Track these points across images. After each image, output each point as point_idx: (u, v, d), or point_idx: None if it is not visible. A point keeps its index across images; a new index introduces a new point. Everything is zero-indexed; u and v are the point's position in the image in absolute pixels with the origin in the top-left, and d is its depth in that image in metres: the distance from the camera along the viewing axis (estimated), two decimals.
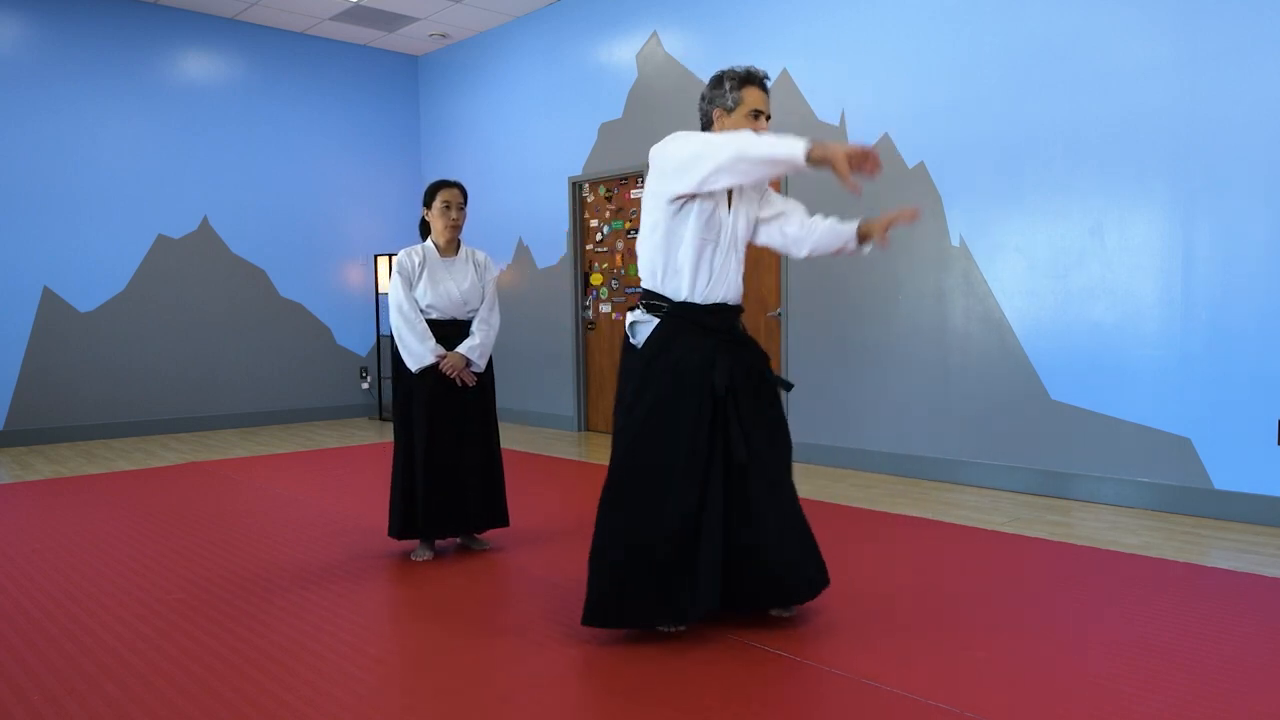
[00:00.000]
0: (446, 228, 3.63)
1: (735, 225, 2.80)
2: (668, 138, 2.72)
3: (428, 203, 3.67)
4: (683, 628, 2.76)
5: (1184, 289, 4.30)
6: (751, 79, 2.78)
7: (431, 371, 3.57)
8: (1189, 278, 4.28)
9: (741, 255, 2.85)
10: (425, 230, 3.76)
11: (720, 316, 2.79)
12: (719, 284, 2.77)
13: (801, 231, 2.89)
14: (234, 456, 6.41)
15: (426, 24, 8.01)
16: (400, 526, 3.63)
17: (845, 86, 5.54)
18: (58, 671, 2.55)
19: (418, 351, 3.55)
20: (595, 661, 2.59)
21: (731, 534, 2.73)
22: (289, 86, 8.26)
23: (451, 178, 8.62)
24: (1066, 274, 4.67)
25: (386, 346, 8.82)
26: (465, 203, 3.68)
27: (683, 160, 2.61)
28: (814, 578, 2.83)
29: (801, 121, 5.75)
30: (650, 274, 2.78)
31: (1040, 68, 4.71)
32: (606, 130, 7.15)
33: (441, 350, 3.58)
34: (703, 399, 2.69)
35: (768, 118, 2.81)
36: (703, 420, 2.68)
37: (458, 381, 3.61)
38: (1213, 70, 4.17)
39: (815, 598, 2.87)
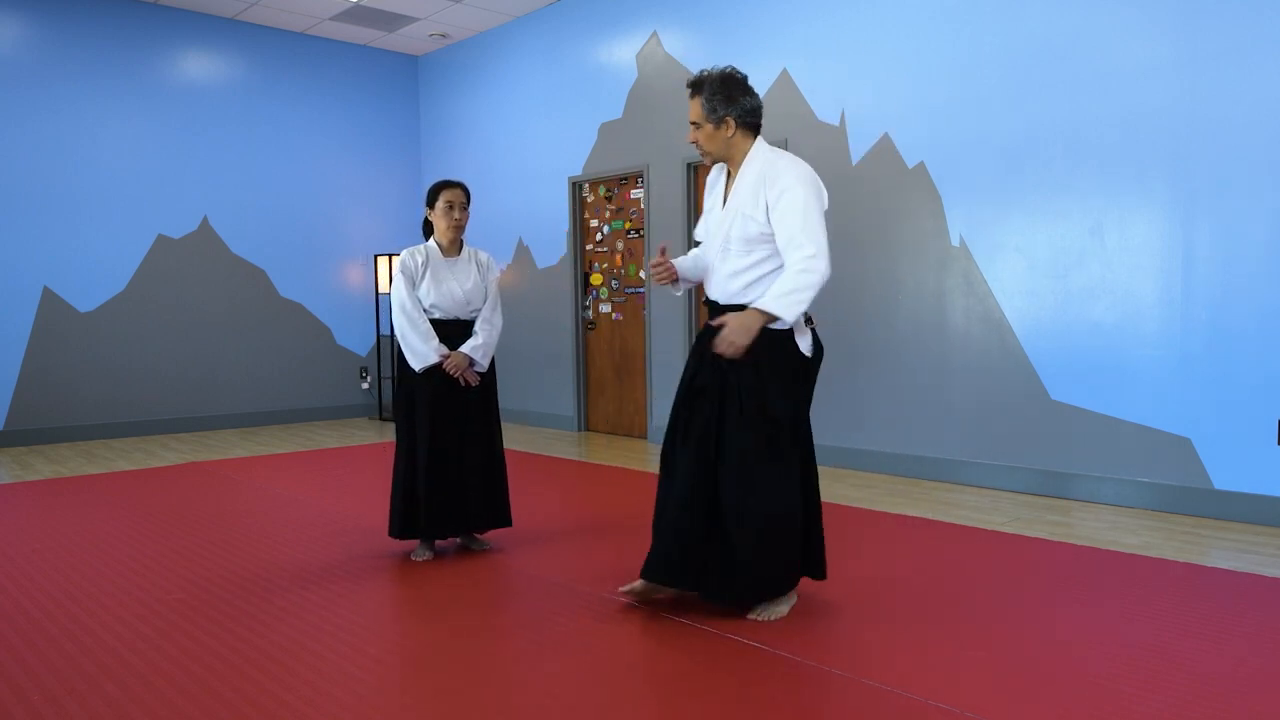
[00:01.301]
0: (449, 228, 3.64)
1: (724, 229, 2.88)
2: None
3: (430, 203, 3.67)
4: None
5: (1184, 289, 4.30)
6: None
7: (435, 371, 3.58)
8: (1189, 278, 4.28)
9: (733, 259, 2.87)
10: (428, 230, 3.76)
11: (712, 312, 2.95)
12: (710, 283, 2.98)
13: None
14: (234, 456, 6.41)
15: (426, 24, 8.01)
16: (401, 526, 3.63)
17: (845, 86, 5.54)
18: (58, 671, 2.55)
19: (421, 351, 3.55)
20: (594, 661, 2.59)
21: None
22: (289, 86, 8.26)
23: (452, 178, 8.64)
24: (1066, 274, 4.67)
25: (386, 346, 8.82)
26: (468, 203, 3.69)
27: None
28: (742, 588, 2.84)
29: (802, 122, 5.75)
30: None
31: (1040, 68, 4.71)
32: (606, 130, 7.15)
33: (445, 350, 3.58)
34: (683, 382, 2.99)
35: (696, 125, 2.90)
36: (682, 400, 2.96)
37: (461, 381, 3.61)
38: (1213, 70, 4.17)
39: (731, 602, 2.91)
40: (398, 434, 3.67)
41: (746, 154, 2.88)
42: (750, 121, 2.88)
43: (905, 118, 5.27)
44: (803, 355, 2.84)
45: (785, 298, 2.71)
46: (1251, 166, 4.08)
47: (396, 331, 3.59)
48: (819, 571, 3.00)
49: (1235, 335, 4.15)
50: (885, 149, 5.36)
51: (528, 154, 7.86)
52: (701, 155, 2.93)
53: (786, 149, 5.78)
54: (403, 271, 3.58)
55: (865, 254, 5.49)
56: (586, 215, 7.47)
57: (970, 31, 4.98)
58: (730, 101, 2.84)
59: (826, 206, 2.85)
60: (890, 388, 5.42)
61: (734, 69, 2.90)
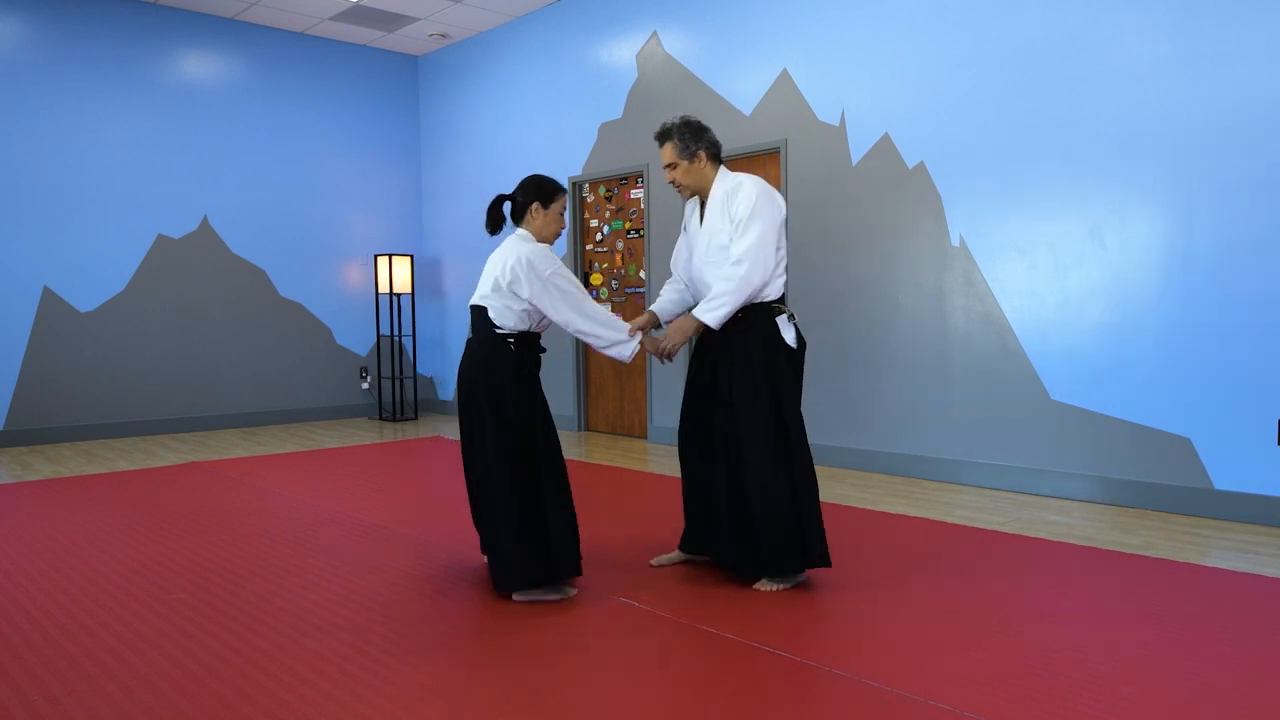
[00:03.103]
0: (558, 232, 3.32)
1: (703, 245, 3.30)
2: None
3: (546, 200, 3.23)
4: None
5: (1184, 289, 4.30)
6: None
7: (533, 378, 3.27)
8: (1189, 278, 4.28)
9: (716, 267, 3.25)
10: (498, 220, 3.28)
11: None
12: (702, 295, 3.35)
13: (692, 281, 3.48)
14: (234, 456, 6.41)
15: (426, 24, 8.01)
16: (574, 560, 3.15)
17: (845, 86, 5.54)
18: (58, 671, 2.55)
19: (628, 338, 3.23)
20: (591, 661, 2.59)
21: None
22: (289, 86, 8.26)
23: (450, 176, 8.65)
24: (1066, 274, 4.67)
25: (386, 346, 8.82)
26: None
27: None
28: (744, 555, 3.21)
29: (802, 121, 5.75)
30: None
31: (1040, 68, 4.71)
32: (606, 130, 7.15)
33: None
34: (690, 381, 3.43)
35: (672, 166, 3.32)
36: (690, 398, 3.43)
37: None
38: (1213, 70, 4.17)
39: (748, 573, 3.24)
40: (524, 456, 3.11)
41: (715, 180, 3.32)
42: (715, 153, 3.32)
43: (905, 118, 5.27)
44: (789, 347, 3.23)
45: (708, 304, 3.19)
46: (1251, 166, 4.07)
47: (594, 331, 3.20)
48: (822, 559, 3.19)
49: (1235, 335, 4.15)
50: (885, 149, 5.36)
51: (528, 154, 7.85)
52: (680, 192, 3.36)
53: (787, 149, 5.83)
54: (565, 266, 3.20)
55: (865, 254, 5.49)
56: (586, 215, 7.47)
57: (970, 31, 4.98)
58: (698, 138, 3.28)
59: (784, 214, 3.24)
60: (890, 388, 5.42)
61: (689, 116, 3.36)
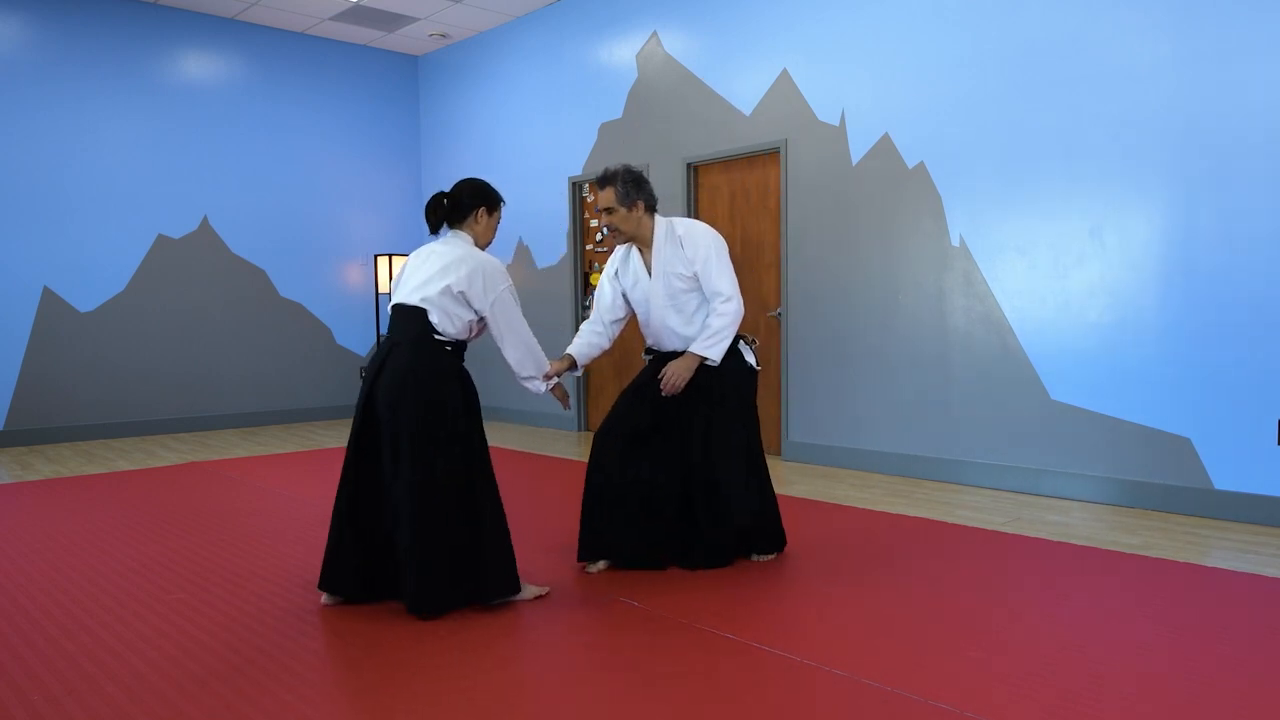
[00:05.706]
0: (491, 241, 3.27)
1: (661, 291, 3.43)
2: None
3: (492, 208, 3.20)
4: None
5: (1184, 289, 4.30)
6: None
7: (472, 385, 3.13)
8: (1189, 278, 4.28)
9: (685, 309, 3.44)
10: (440, 215, 3.15)
11: (654, 355, 3.58)
12: (663, 338, 3.51)
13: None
14: (234, 456, 6.41)
15: (426, 24, 8.01)
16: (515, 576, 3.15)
17: (845, 86, 5.54)
18: (58, 671, 2.55)
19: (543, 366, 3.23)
20: (589, 660, 2.59)
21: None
22: (289, 86, 8.26)
23: (450, 176, 8.65)
24: (1066, 274, 4.67)
25: None
26: None
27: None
28: (703, 553, 3.45)
29: (802, 121, 5.75)
30: None
31: (1040, 68, 4.71)
32: (606, 130, 7.15)
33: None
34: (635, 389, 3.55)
35: (609, 211, 3.50)
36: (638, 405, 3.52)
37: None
38: (1213, 70, 4.17)
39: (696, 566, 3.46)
40: (479, 466, 3.05)
41: (653, 229, 3.47)
42: (652, 205, 3.48)
43: (905, 118, 5.27)
44: (751, 367, 3.50)
45: (707, 340, 3.35)
46: (1251, 166, 4.07)
47: (528, 347, 3.14)
48: (778, 543, 3.61)
49: (1235, 335, 4.15)
50: (885, 149, 5.36)
51: (528, 154, 7.86)
52: (613, 234, 3.53)
53: (787, 149, 5.83)
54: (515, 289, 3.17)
55: (865, 254, 5.49)
56: (586, 215, 7.47)
57: (970, 31, 4.98)
58: (639, 188, 3.42)
59: (726, 249, 3.46)
60: (890, 388, 5.42)
61: (631, 165, 3.49)
